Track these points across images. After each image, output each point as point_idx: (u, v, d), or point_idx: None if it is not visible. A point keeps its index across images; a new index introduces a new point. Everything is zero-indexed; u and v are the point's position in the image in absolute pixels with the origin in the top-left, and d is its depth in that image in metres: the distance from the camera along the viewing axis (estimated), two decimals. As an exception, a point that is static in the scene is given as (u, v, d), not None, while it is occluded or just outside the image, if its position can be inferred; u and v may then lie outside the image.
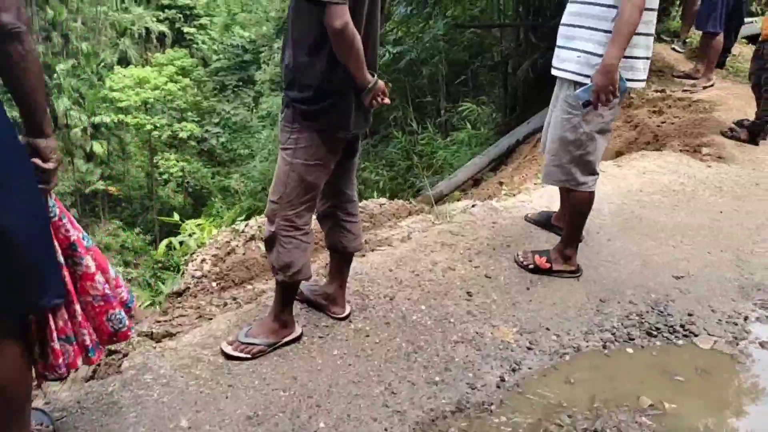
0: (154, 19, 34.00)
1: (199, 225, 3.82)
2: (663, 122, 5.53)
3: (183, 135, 28.00)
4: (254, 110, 26.14)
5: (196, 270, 2.96)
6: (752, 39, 7.60)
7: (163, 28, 34.33)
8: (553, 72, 2.87)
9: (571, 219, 3.02)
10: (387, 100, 2.24)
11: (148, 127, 27.44)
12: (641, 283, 3.03)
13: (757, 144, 4.91)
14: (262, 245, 3.23)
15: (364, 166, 10.81)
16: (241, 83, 27.96)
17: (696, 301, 2.92)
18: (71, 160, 28.30)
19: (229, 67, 28.29)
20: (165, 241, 3.62)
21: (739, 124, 5.04)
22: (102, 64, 31.17)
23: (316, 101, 2.10)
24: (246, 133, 26.48)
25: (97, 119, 27.29)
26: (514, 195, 4.05)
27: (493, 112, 9.91)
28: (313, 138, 2.15)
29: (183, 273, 3.00)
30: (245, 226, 3.35)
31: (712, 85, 6.12)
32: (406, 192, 11.05)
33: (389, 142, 11.50)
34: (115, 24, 32.66)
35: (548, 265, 3.00)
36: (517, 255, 3.11)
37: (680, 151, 4.77)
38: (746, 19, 7.01)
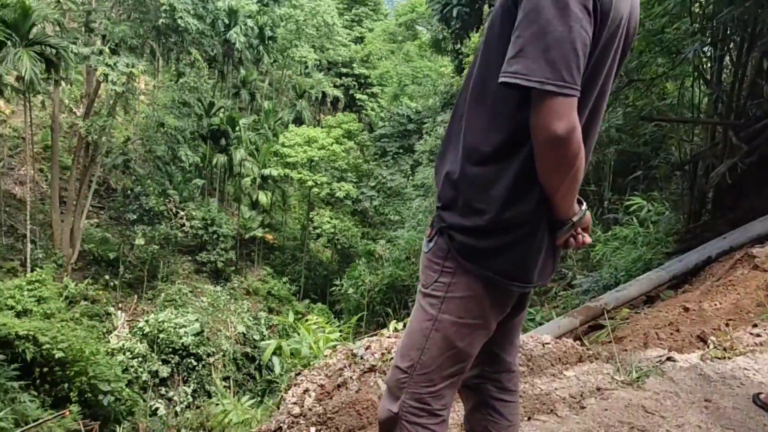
0: (331, 84, 36.43)
1: (316, 324, 3.20)
2: None
3: (340, 194, 29.19)
4: (410, 178, 26.34)
5: (295, 403, 2.33)
6: None
7: (338, 93, 36.73)
8: None
9: None
10: (588, 239, 1.48)
11: (310, 183, 28.87)
12: None
13: None
14: (381, 380, 2.54)
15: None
16: (401, 150, 28.51)
17: None
18: (238, 206, 30.46)
19: (393, 134, 29.09)
20: (273, 344, 3.03)
21: None
22: (279, 121, 33.80)
23: (490, 235, 1.37)
24: (399, 199, 26.76)
25: (266, 171, 29.23)
26: (726, 352, 3.01)
27: (667, 211, 8.69)
28: (474, 286, 1.42)
29: (280, 402, 2.39)
30: (365, 350, 2.68)
31: None
32: (557, 283, 9.97)
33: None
34: (296, 87, 35.41)
35: None
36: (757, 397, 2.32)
37: None
38: None
